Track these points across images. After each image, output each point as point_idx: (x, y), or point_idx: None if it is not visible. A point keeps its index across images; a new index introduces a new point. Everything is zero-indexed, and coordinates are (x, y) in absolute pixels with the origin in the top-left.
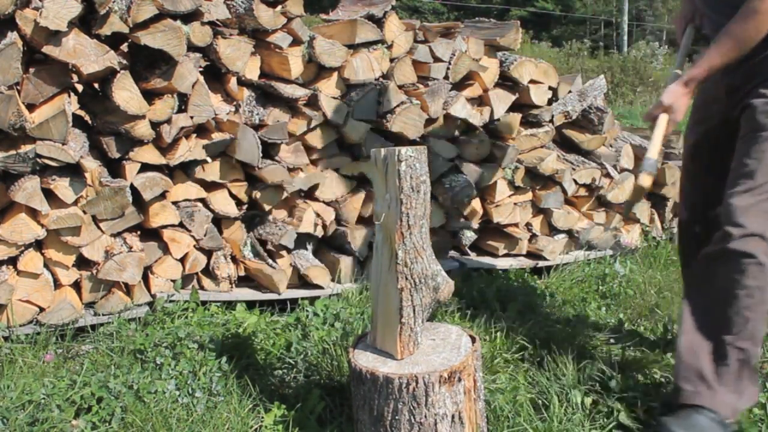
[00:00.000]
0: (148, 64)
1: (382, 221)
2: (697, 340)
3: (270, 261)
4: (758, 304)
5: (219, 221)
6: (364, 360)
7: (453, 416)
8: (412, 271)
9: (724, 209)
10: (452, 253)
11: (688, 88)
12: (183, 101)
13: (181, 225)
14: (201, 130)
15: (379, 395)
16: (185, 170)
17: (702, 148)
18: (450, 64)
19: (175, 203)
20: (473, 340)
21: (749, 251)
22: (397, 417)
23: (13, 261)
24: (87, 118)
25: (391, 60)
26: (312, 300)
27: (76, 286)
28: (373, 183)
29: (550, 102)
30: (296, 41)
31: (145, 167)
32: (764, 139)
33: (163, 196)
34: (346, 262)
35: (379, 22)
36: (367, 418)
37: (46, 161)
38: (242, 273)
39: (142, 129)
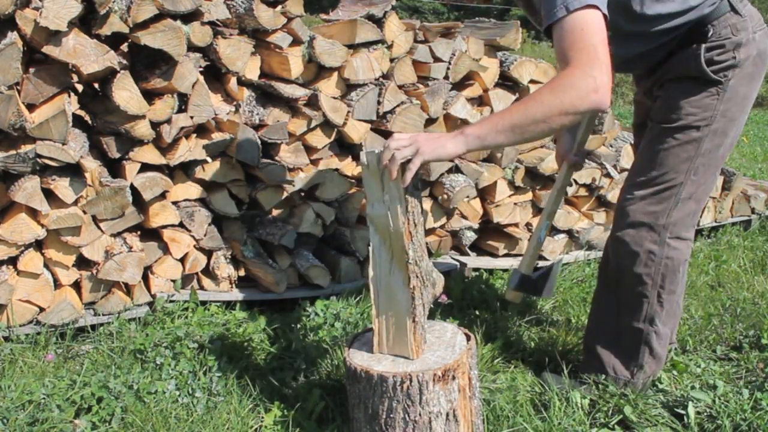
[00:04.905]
0: (148, 64)
1: (379, 224)
2: (596, 321)
3: (270, 261)
4: (651, 289)
5: (219, 221)
6: (359, 359)
7: (447, 414)
8: (420, 269)
9: (618, 199)
10: (452, 253)
11: (454, 148)
12: (183, 101)
13: (181, 225)
14: (201, 130)
15: (373, 393)
16: (185, 170)
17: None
18: (450, 64)
19: (175, 203)
20: (468, 338)
21: (636, 240)
22: (391, 415)
23: (13, 261)
24: (87, 118)
25: (391, 60)
26: (312, 300)
27: (76, 286)
28: (365, 186)
29: None
30: (296, 41)
31: (145, 167)
32: (663, 130)
33: (163, 196)
34: (346, 262)
35: (379, 22)
36: (362, 417)
37: (46, 161)
38: (242, 273)
39: (142, 129)
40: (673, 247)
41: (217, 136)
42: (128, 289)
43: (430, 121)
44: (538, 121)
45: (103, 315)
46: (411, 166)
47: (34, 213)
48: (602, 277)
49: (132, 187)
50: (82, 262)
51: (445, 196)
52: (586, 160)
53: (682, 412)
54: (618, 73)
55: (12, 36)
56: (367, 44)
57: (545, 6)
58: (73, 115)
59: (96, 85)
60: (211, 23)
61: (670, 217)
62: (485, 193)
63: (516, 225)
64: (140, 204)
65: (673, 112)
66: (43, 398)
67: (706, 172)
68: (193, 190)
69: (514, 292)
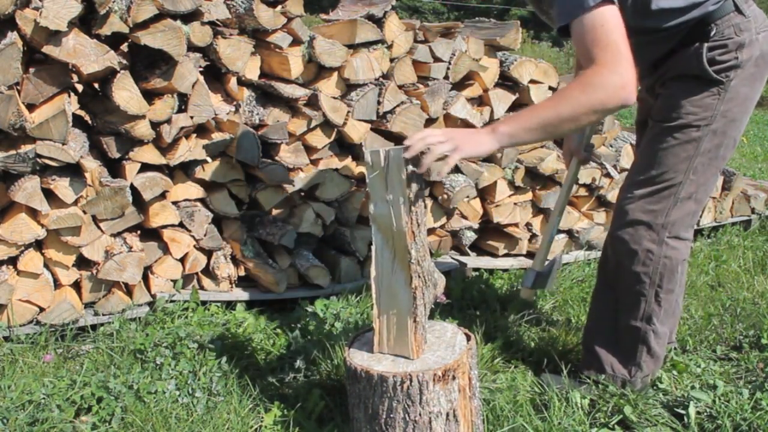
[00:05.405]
0: (148, 64)
1: (382, 223)
2: (595, 320)
3: (270, 261)
4: (649, 287)
5: (219, 221)
6: (360, 359)
7: (447, 414)
8: (422, 268)
9: (617, 198)
10: (452, 253)
11: (489, 142)
12: (183, 101)
13: (181, 225)
14: (201, 130)
15: (374, 393)
16: (185, 170)
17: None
18: (450, 64)
19: (175, 203)
20: (468, 338)
21: (635, 239)
22: (392, 415)
23: (13, 261)
24: (87, 118)
25: (391, 60)
26: (312, 300)
27: (76, 286)
28: (369, 185)
29: None
30: (296, 41)
31: (145, 167)
32: (663, 129)
33: (163, 196)
34: (346, 262)
35: (379, 22)
36: (362, 417)
37: (46, 161)
38: (242, 273)
39: (142, 129)
40: (671, 247)
41: (217, 136)
42: (128, 289)
43: (430, 121)
44: (568, 120)
45: (103, 315)
46: (450, 161)
47: (34, 213)
48: (601, 275)
49: (132, 187)
50: (82, 262)
51: (445, 196)
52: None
53: (682, 412)
54: None
55: (12, 36)
56: (367, 44)
57: (559, 4)
58: (73, 115)
59: (96, 85)
60: (211, 23)
61: (669, 216)
62: (485, 193)
63: (516, 225)
64: (140, 204)
65: (674, 111)
66: (43, 398)
67: (705, 172)
68: (193, 190)
69: (530, 290)
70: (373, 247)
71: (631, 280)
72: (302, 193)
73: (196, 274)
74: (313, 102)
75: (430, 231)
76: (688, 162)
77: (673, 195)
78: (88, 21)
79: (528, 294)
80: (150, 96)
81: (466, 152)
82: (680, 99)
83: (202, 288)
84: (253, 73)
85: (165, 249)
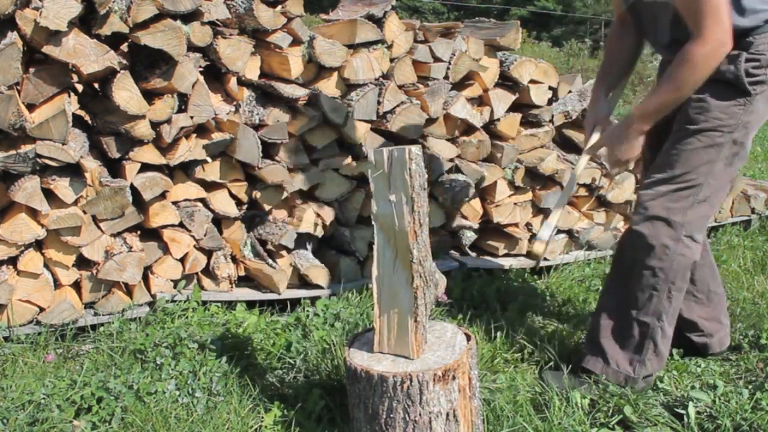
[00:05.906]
0: (148, 64)
1: (384, 223)
2: (604, 314)
3: (270, 261)
4: (663, 283)
5: (219, 221)
6: (360, 359)
7: (448, 414)
8: (424, 268)
9: (638, 194)
10: (452, 253)
11: (641, 134)
12: (183, 101)
13: (181, 225)
14: (201, 130)
15: (374, 393)
16: (185, 170)
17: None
18: (450, 64)
19: (175, 203)
20: (468, 338)
21: (653, 234)
22: (392, 415)
23: (13, 261)
24: (87, 118)
25: (391, 60)
26: (312, 300)
27: (76, 286)
28: (372, 184)
29: (550, 102)
30: (296, 41)
31: (145, 167)
32: (689, 132)
33: (163, 196)
34: (346, 262)
35: (379, 22)
36: (362, 416)
37: (46, 161)
38: (242, 273)
39: (142, 129)
40: (686, 245)
41: (217, 136)
42: (128, 289)
43: (430, 121)
44: (687, 95)
45: (103, 315)
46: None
47: (34, 213)
48: (615, 270)
49: (132, 187)
50: (82, 262)
51: (445, 196)
52: (587, 162)
53: (682, 412)
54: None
55: (12, 36)
56: (367, 44)
57: None
58: (73, 115)
59: (96, 85)
60: (211, 23)
61: (686, 215)
62: (485, 193)
63: (516, 225)
64: (140, 204)
65: (702, 114)
66: (43, 398)
67: (721, 177)
68: (193, 190)
69: (544, 244)
70: (374, 247)
71: (646, 274)
72: (302, 193)
73: (196, 274)
74: (313, 102)
75: (430, 231)
76: (709, 165)
77: (692, 195)
78: (88, 21)
79: (540, 248)
80: (150, 96)
81: (633, 160)
82: (709, 103)
83: (202, 288)
84: (253, 73)
85: (165, 249)
